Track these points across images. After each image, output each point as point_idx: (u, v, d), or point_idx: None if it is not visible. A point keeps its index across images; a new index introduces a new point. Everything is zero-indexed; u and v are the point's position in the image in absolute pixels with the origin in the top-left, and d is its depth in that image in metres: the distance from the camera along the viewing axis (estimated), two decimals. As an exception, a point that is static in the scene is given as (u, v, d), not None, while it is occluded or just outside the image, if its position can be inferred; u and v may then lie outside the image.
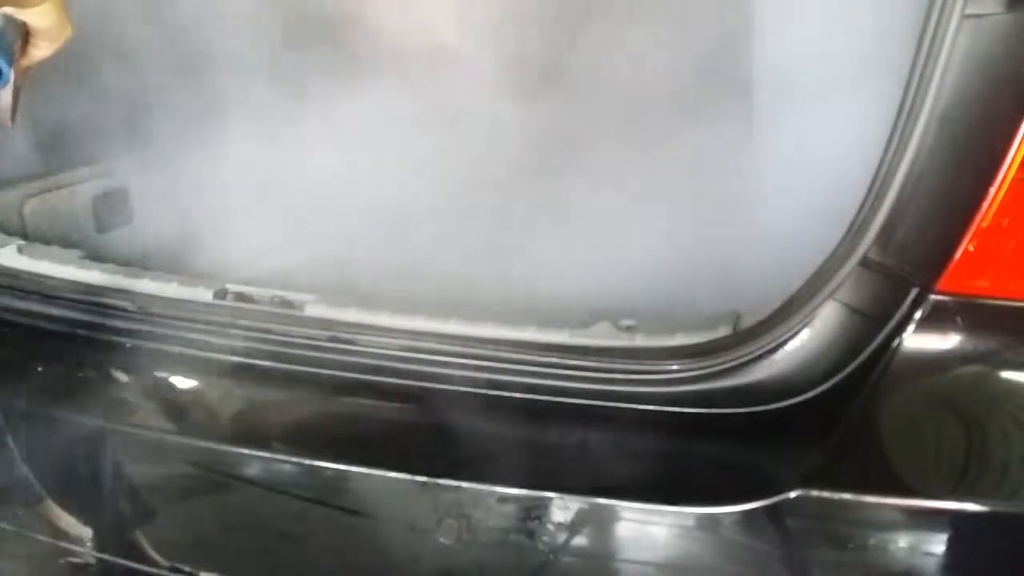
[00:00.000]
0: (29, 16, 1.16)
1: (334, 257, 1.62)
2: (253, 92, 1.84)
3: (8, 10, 1.15)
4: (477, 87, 1.75)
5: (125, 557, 1.27)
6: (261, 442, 1.19)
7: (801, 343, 1.02)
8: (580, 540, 1.04)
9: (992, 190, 0.90)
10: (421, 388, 1.16)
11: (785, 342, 1.02)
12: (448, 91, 1.81)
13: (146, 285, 1.34)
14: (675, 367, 1.08)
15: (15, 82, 1.18)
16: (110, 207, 1.85)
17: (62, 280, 1.38)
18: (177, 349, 1.27)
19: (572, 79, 1.82)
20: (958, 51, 0.92)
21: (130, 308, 1.31)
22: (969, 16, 0.91)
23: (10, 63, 1.11)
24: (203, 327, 1.26)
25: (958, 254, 0.92)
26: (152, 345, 1.28)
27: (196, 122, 1.79)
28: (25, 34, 1.18)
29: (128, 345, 1.30)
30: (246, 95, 1.83)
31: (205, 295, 1.29)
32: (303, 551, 1.17)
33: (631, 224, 1.64)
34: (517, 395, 1.12)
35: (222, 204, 1.67)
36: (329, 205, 1.71)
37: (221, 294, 1.29)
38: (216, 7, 1.89)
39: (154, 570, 1.23)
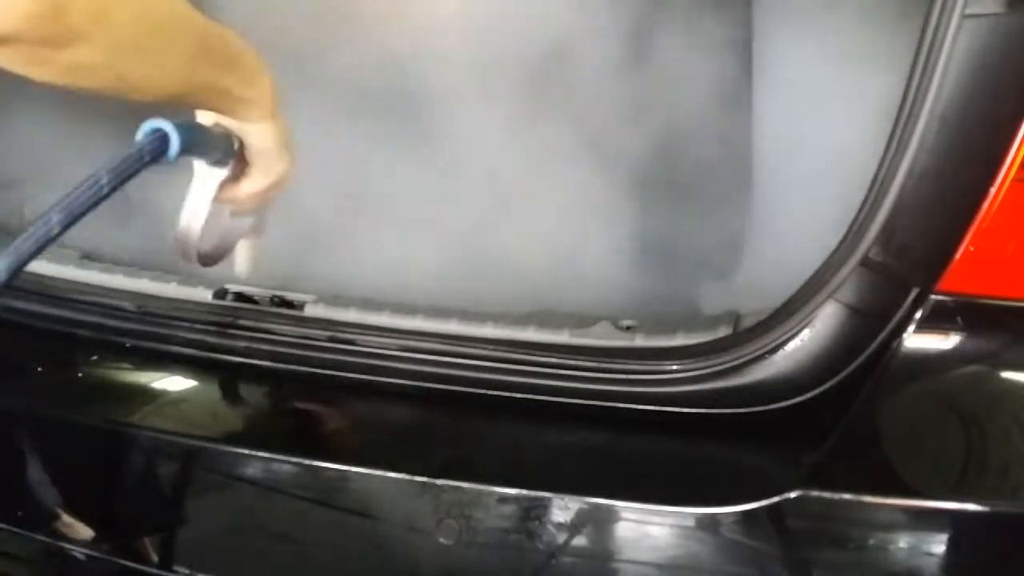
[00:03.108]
0: (246, 132, 0.97)
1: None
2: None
3: (221, 120, 0.96)
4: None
5: (125, 558, 1.27)
6: (260, 442, 1.19)
7: (801, 343, 1.02)
8: (580, 540, 1.04)
9: (992, 190, 0.90)
10: (421, 388, 1.16)
11: (785, 342, 1.02)
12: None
13: (146, 285, 1.34)
14: (675, 367, 1.07)
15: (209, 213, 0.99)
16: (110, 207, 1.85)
17: (61, 280, 1.38)
18: (176, 349, 1.27)
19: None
20: (958, 51, 0.92)
21: (130, 308, 1.31)
22: (969, 16, 0.91)
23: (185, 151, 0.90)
24: (202, 327, 1.26)
25: (958, 254, 0.92)
26: (151, 345, 1.28)
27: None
28: (239, 155, 1.00)
29: (128, 345, 1.30)
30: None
31: (205, 295, 1.29)
32: (302, 552, 1.17)
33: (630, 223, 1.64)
34: (517, 395, 1.12)
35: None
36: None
37: (221, 294, 1.29)
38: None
39: (153, 570, 1.23)
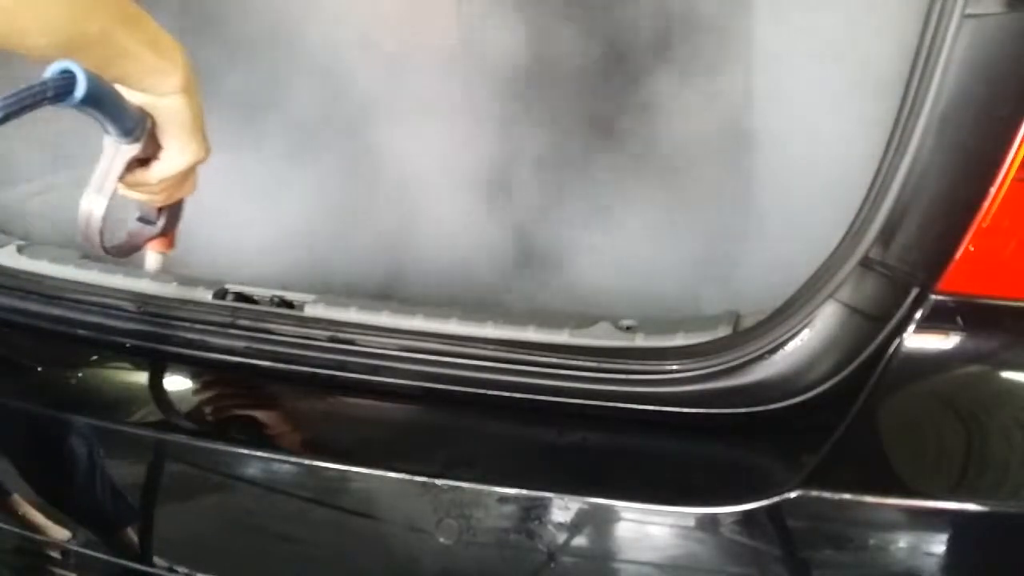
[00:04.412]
0: (156, 106, 0.92)
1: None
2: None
3: (133, 96, 0.91)
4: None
5: (124, 557, 1.27)
6: (260, 442, 1.19)
7: (801, 343, 1.02)
8: (580, 540, 1.04)
9: (992, 190, 0.90)
10: (421, 388, 1.16)
11: (785, 342, 1.02)
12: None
13: (146, 285, 1.34)
14: (675, 367, 1.07)
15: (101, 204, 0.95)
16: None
17: (61, 280, 1.38)
18: (176, 349, 1.27)
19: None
20: (958, 51, 0.92)
21: (130, 308, 1.31)
22: (969, 16, 0.91)
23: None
24: (202, 327, 1.26)
25: (958, 254, 0.92)
26: (151, 345, 1.28)
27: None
28: (150, 134, 0.95)
29: (128, 345, 1.30)
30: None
31: (205, 295, 1.29)
32: (303, 551, 1.17)
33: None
34: (517, 395, 1.12)
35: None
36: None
37: (221, 294, 1.29)
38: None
39: (153, 570, 1.23)
